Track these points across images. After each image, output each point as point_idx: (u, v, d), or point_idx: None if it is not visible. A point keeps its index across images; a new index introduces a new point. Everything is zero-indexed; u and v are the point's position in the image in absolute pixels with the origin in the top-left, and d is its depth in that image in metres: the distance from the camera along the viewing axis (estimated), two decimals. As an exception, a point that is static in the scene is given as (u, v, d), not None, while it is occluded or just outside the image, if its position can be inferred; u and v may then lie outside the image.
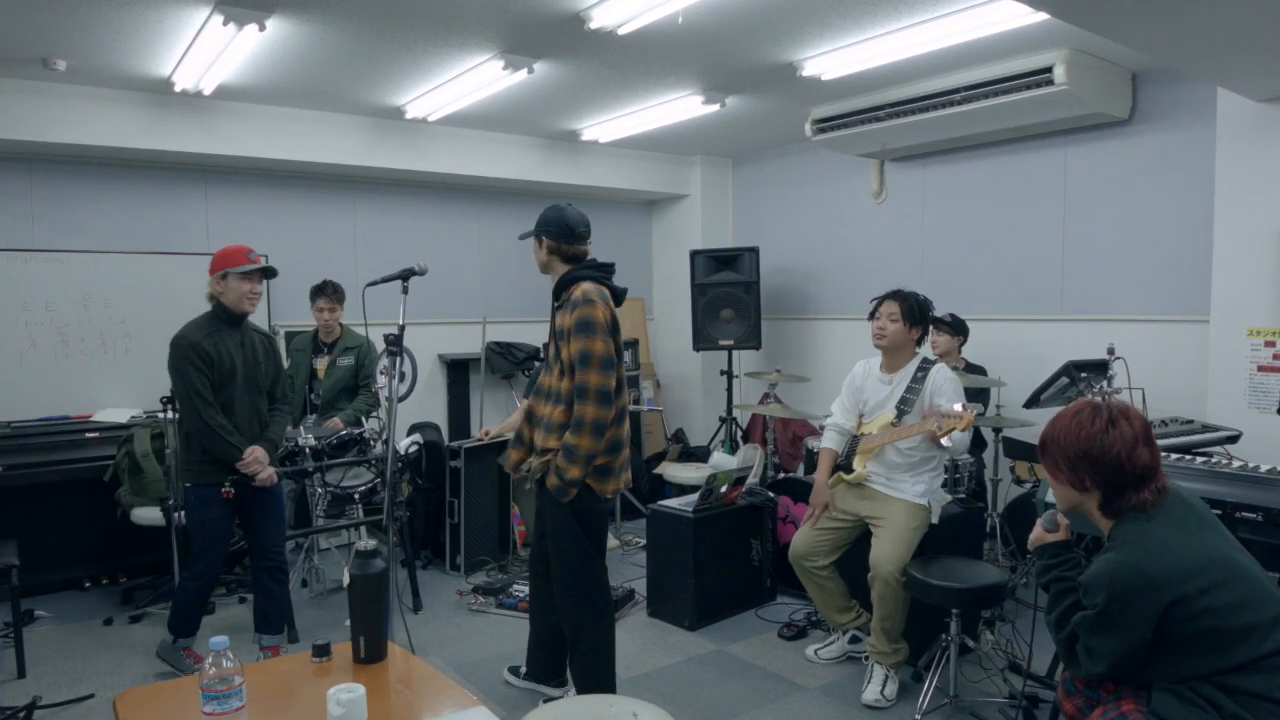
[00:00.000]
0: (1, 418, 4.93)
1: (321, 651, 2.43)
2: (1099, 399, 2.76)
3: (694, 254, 6.76)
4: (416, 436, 5.46)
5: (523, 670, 3.69)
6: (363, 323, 3.76)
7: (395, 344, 3.35)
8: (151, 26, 3.97)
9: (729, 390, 6.75)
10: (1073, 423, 2.14)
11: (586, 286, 3.18)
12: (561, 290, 3.27)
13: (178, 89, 4.87)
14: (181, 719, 2.13)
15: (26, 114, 4.75)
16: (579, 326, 3.10)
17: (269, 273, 3.71)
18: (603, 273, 3.29)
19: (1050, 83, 4.36)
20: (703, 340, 6.70)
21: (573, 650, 3.38)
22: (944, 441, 3.47)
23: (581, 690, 3.43)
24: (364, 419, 5.09)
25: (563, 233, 3.28)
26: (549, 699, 3.41)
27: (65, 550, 4.91)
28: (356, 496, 4.71)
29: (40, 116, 4.78)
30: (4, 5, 3.70)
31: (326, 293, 5.12)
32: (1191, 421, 4.08)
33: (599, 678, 3.37)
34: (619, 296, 3.31)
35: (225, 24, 3.78)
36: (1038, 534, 2.35)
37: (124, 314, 5.36)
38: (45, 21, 3.89)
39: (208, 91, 4.91)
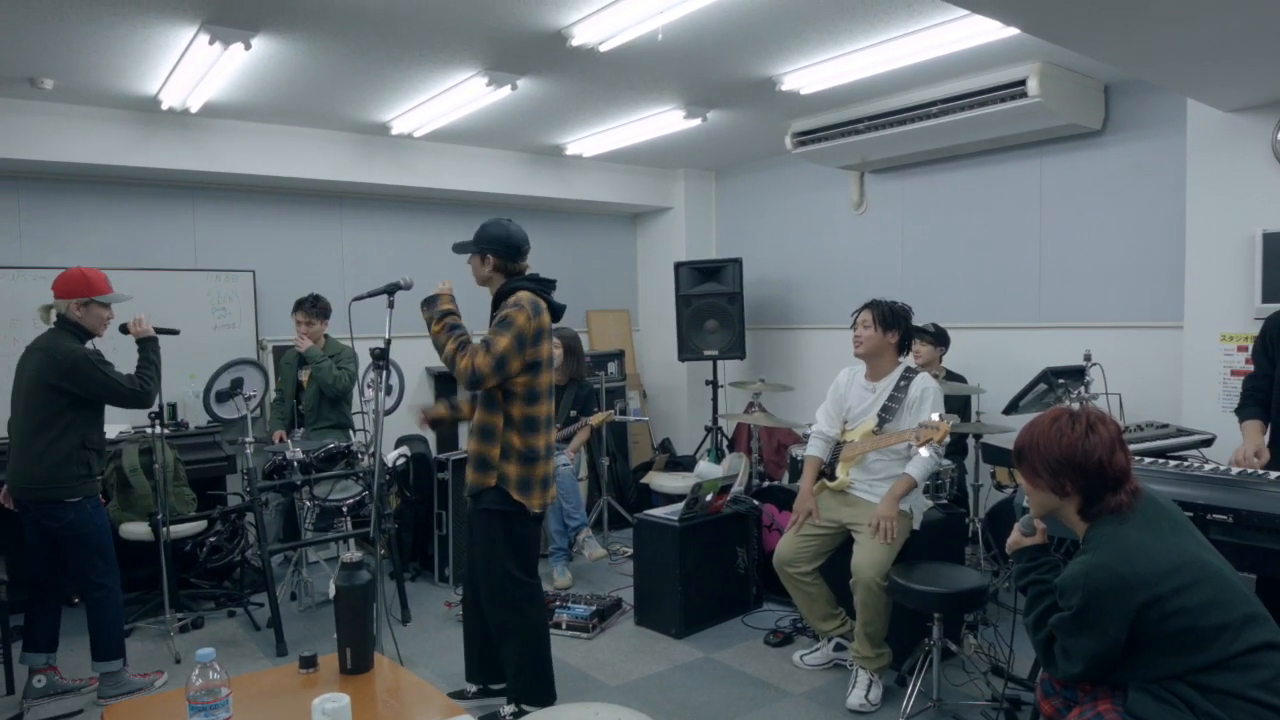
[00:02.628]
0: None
1: (308, 663, 2.46)
2: (1073, 405, 2.81)
3: (678, 266, 6.82)
4: (404, 449, 5.48)
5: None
6: (349, 336, 3.79)
7: (382, 357, 3.38)
8: (138, 46, 4.01)
9: (714, 400, 6.79)
10: (1052, 429, 2.15)
11: (522, 294, 3.24)
12: (500, 300, 3.31)
13: (165, 107, 4.89)
14: (170, 731, 2.14)
15: (14, 132, 4.77)
16: (500, 322, 3.18)
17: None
18: (541, 286, 3.33)
19: (1024, 95, 4.43)
20: (688, 351, 6.75)
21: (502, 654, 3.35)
22: (922, 451, 3.52)
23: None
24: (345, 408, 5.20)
25: (509, 252, 3.32)
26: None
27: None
28: (345, 509, 4.71)
29: (28, 134, 4.80)
30: (-9, 26, 3.73)
31: (304, 307, 5.16)
32: (1167, 426, 4.14)
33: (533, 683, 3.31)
34: (556, 312, 3.35)
35: (211, 43, 3.82)
36: (1015, 538, 2.37)
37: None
38: (33, 41, 3.91)
39: (194, 109, 4.94)
